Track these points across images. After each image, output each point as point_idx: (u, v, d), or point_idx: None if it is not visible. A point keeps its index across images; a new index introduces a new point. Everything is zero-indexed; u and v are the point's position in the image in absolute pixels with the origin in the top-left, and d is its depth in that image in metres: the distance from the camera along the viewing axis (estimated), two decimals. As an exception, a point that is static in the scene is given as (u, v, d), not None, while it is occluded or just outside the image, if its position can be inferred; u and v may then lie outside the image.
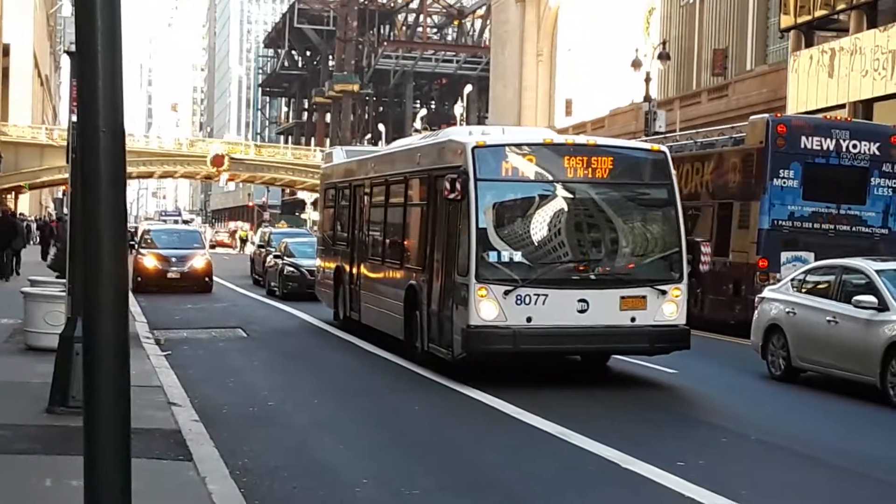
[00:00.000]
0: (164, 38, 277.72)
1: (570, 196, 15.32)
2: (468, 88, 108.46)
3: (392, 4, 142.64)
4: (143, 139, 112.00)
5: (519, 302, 14.59)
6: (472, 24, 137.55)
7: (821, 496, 10.27)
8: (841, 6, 46.16)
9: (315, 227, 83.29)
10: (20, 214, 70.52)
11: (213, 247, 59.64)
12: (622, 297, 15.04)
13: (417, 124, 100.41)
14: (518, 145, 15.80)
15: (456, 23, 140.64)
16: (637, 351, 16.19)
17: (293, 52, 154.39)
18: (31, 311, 17.27)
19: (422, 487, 10.13)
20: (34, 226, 69.10)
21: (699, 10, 63.30)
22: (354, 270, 22.17)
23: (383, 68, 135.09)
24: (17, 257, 36.68)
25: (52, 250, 35.04)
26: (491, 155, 15.21)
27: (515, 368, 15.89)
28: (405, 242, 18.93)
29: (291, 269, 32.86)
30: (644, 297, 15.09)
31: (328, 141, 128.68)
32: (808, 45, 47.28)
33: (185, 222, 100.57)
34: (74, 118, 13.32)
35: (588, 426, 12.70)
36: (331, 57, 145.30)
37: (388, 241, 20.23)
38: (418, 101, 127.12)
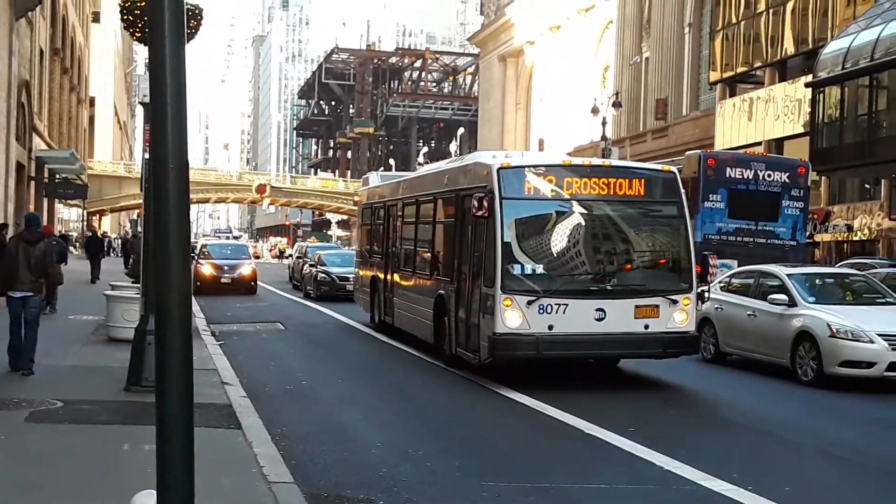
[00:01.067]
0: (219, 91, 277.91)
1: (587, 213, 14.00)
2: (461, 130, 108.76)
3: (400, 64, 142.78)
4: (202, 172, 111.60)
5: (541, 311, 13.29)
6: (464, 80, 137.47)
7: (736, 450, 10.30)
8: (758, 64, 46.31)
9: (338, 241, 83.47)
10: (104, 233, 70.39)
11: (256, 257, 59.41)
12: (636, 307, 13.79)
13: (420, 159, 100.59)
14: (539, 166, 14.52)
15: (451, 78, 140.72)
16: (650, 356, 14.72)
17: (321, 102, 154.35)
18: (112, 309, 17.24)
19: (424, 450, 10.15)
20: (117, 242, 68.96)
21: (644, 68, 63.48)
22: (388, 280, 20.48)
23: (393, 115, 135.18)
24: (99, 267, 36.86)
25: (130, 262, 34.95)
26: (514, 175, 13.91)
27: (532, 369, 14.88)
28: (434, 256, 17.34)
29: (324, 275, 32.32)
30: (657, 306, 13.82)
31: (349, 173, 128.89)
32: (732, 94, 47.69)
33: (235, 238, 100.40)
34: (147, 155, 13.35)
35: (563, 401, 12.64)
36: (351, 106, 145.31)
37: (418, 254, 18.60)
38: (421, 141, 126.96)
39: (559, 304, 13.37)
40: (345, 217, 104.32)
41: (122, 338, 15.11)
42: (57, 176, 51.72)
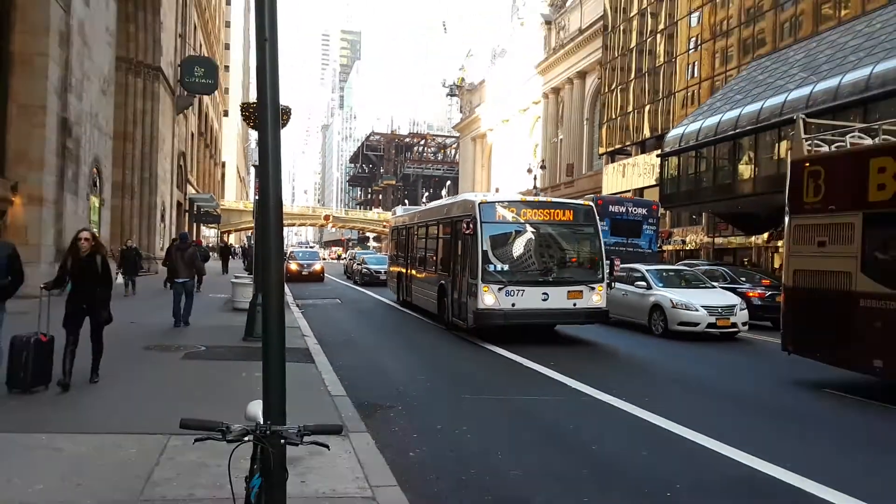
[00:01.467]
0: (301, 157, 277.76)
1: (536, 231, 13.80)
2: (448, 183, 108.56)
3: (411, 142, 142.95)
4: (290, 207, 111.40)
5: (507, 294, 13.06)
6: (450, 151, 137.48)
7: (615, 376, 10.30)
8: (628, 143, 46.53)
9: (373, 249, 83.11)
10: (230, 244, 70.37)
11: (323, 259, 59.08)
12: (569, 291, 13.52)
13: (424, 200, 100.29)
14: (504, 201, 14.26)
15: (442, 150, 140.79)
16: (577, 323, 14.28)
17: (363, 164, 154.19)
18: (235, 290, 17.21)
19: (426, 377, 10.13)
20: (240, 249, 68.87)
21: (560, 145, 63.66)
22: (409, 274, 20.00)
23: (407, 173, 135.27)
24: (227, 264, 37.00)
25: (247, 262, 34.99)
26: (489, 207, 13.71)
27: (501, 331, 13.92)
28: (438, 258, 16.91)
29: (366, 269, 32.33)
30: (581, 290, 13.61)
31: (381, 208, 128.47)
32: (612, 161, 47.83)
33: (311, 247, 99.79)
34: (256, 197, 13.39)
35: (519, 350, 12.67)
36: (382, 167, 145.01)
37: (427, 257, 18.14)
38: (424, 189, 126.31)
39: (519, 290, 13.17)
40: (377, 234, 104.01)
41: (241, 308, 15.07)
42: (201, 209, 51.85)
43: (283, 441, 2.60)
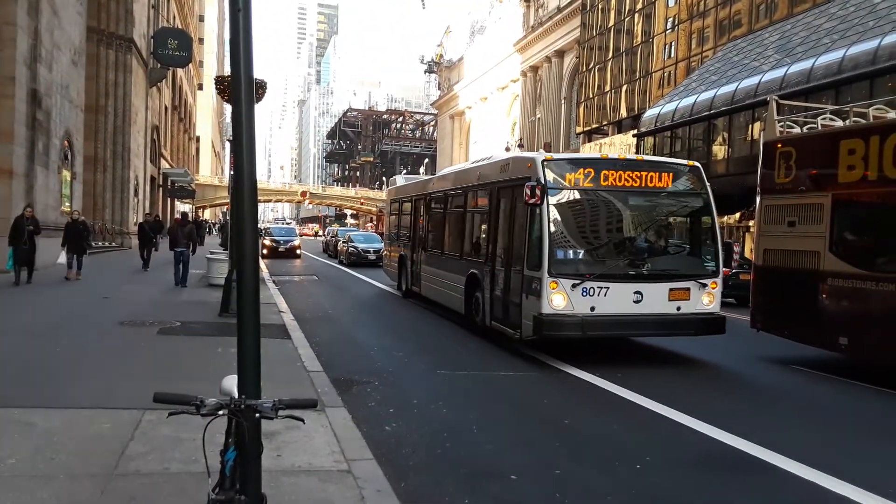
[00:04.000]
0: (277, 133, 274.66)
1: (625, 203, 10.03)
2: (426, 160, 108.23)
3: (389, 119, 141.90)
4: (266, 182, 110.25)
5: (584, 294, 9.32)
6: (428, 128, 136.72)
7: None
8: (605, 122, 46.69)
9: (350, 225, 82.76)
10: (204, 219, 69.60)
11: (301, 235, 58.84)
12: (671, 289, 9.74)
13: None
14: (579, 159, 10.44)
15: (420, 128, 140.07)
16: (682, 335, 10.41)
17: (341, 141, 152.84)
18: (211, 266, 17.07)
19: (404, 352, 10.17)
20: (215, 226, 68.14)
21: (538, 123, 63.64)
22: (416, 258, 16.14)
23: (385, 150, 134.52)
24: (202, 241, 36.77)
25: (223, 237, 34.74)
26: (557, 167, 9.75)
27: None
28: (465, 240, 12.90)
29: (353, 249, 29.73)
30: (688, 289, 9.80)
31: (358, 185, 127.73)
32: (589, 140, 48.00)
33: (287, 223, 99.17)
34: (231, 172, 13.30)
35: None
36: (359, 144, 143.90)
37: (448, 239, 14.06)
38: (402, 166, 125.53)
39: (601, 288, 9.40)
40: (355, 212, 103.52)
41: (217, 284, 14.98)
42: (176, 184, 51.21)
43: (257, 415, 2.60)
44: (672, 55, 41.17)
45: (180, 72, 53.01)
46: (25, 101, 18.28)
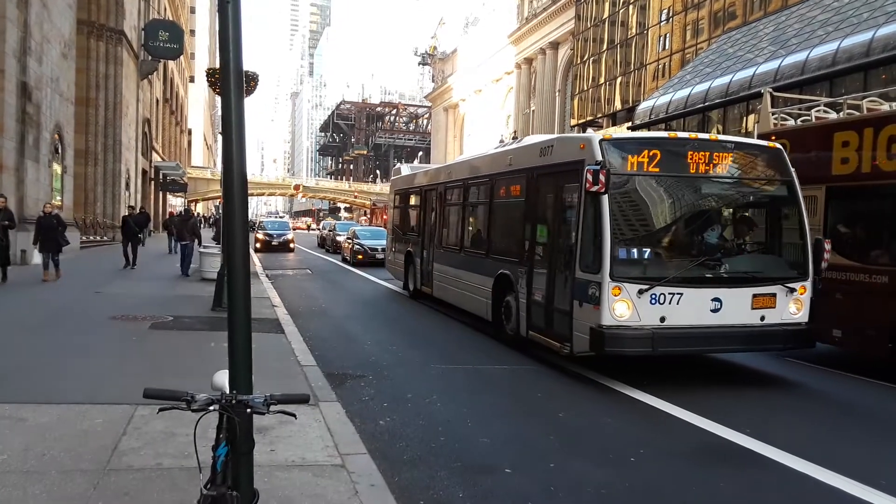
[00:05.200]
0: (270, 125, 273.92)
1: (697, 191, 8.37)
2: (420, 153, 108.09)
3: (382, 111, 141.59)
4: (259, 176, 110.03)
5: (653, 301, 7.65)
6: (422, 121, 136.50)
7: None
8: (599, 114, 46.63)
9: (344, 219, 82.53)
10: (198, 213, 69.56)
11: (294, 229, 58.75)
12: (754, 296, 8.06)
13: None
14: (643, 139, 8.92)
15: (414, 121, 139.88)
16: (768, 351, 9.10)
17: (334, 134, 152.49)
18: (204, 260, 16.97)
19: (397, 345, 10.16)
20: (209, 220, 68.06)
21: (532, 116, 63.61)
22: (428, 255, 14.44)
23: (378, 143, 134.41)
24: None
25: (215, 231, 34.56)
26: (617, 148, 8.02)
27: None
28: (494, 235, 11.27)
29: (358, 246, 25.54)
30: (774, 294, 8.12)
31: (351, 178, 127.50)
32: (584, 132, 47.85)
33: (281, 217, 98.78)
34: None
35: (468, 316, 12.62)
36: (353, 136, 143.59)
37: (470, 234, 12.51)
38: (396, 159, 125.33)
39: (673, 294, 7.73)
40: (349, 205, 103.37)
41: (209, 278, 14.93)
42: (168, 177, 51.05)
43: (249, 410, 2.59)
44: (667, 47, 41.18)
45: (172, 64, 52.70)
46: (15, 94, 18.16)
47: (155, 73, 42.20)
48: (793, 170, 8.54)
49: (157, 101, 47.77)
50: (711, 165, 8.20)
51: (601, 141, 8.08)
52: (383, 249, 22.36)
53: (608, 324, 7.62)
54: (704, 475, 5.27)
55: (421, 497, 4.63)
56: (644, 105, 34.49)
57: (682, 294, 7.78)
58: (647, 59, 42.54)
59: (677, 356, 8.92)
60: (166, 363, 7.67)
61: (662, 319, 7.74)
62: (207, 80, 12.26)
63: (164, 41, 35.06)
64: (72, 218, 24.10)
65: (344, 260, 27.49)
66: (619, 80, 45.31)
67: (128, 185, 34.37)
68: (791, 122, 10.79)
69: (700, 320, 7.86)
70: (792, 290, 8.23)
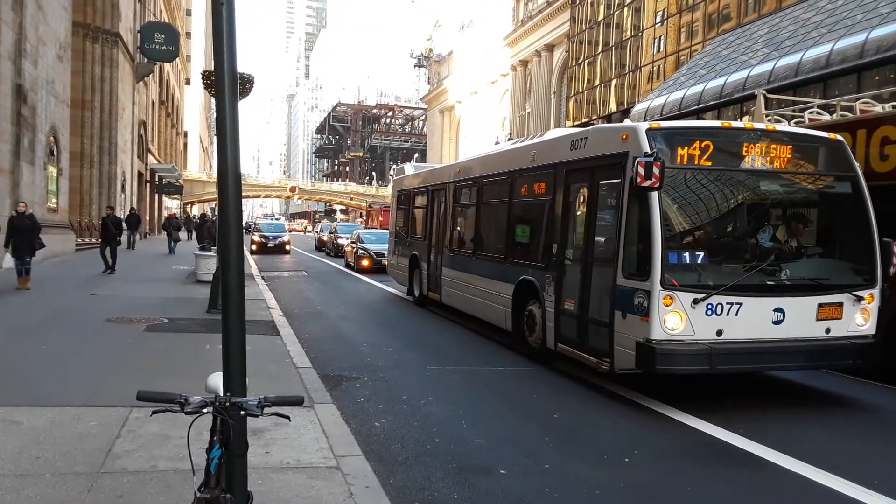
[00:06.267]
0: (265, 128, 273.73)
1: (754, 188, 7.41)
2: (416, 155, 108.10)
3: (378, 113, 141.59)
4: (255, 178, 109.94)
5: (709, 312, 6.75)
6: (418, 123, 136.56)
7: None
8: (594, 116, 46.66)
9: (340, 220, 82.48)
10: (193, 215, 69.49)
11: (289, 231, 58.60)
12: (819, 305, 7.15)
13: (392, 173, 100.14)
14: (695, 129, 7.55)
15: (410, 123, 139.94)
16: (833, 368, 8.12)
17: (330, 136, 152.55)
18: (199, 263, 16.93)
19: (393, 347, 10.14)
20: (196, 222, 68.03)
21: (528, 118, 63.67)
22: (436, 260, 13.53)
23: (374, 145, 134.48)
24: (188, 237, 36.60)
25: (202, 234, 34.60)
26: (665, 139, 7.03)
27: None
28: (512, 237, 10.27)
29: (362, 251, 23.55)
30: (840, 304, 7.23)
31: (348, 180, 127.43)
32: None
33: (276, 219, 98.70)
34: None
35: (468, 319, 12.56)
36: (349, 138, 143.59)
37: (483, 235, 11.58)
38: (391, 161, 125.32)
39: (731, 304, 6.82)
40: (344, 207, 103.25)
41: (205, 280, 14.91)
42: (163, 180, 50.99)
43: (242, 413, 2.59)
44: (661, 49, 41.28)
45: (167, 66, 52.64)
46: (10, 96, 18.11)
47: (151, 76, 42.15)
48: (856, 164, 7.66)
49: (153, 103, 47.71)
50: (768, 159, 7.27)
51: (648, 130, 7.08)
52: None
53: (659, 338, 6.70)
54: (699, 475, 5.27)
55: (416, 498, 4.62)
56: (639, 107, 34.55)
57: (741, 304, 6.87)
58: (642, 61, 42.63)
59: (731, 374, 7.90)
60: (161, 365, 7.64)
61: (719, 333, 6.84)
62: (203, 83, 12.21)
63: (160, 43, 35.04)
64: (67, 220, 24.05)
65: (348, 265, 25.62)
66: (614, 82, 45.41)
67: (123, 187, 34.30)
68: (785, 124, 10.83)
69: (761, 333, 6.95)
70: (859, 299, 7.31)
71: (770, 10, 32.09)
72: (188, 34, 77.05)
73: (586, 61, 49.08)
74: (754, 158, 7.21)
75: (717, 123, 7.75)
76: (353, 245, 25.02)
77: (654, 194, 6.71)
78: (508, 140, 52.48)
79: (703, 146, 7.00)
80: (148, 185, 45.85)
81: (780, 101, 13.59)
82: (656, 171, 6.56)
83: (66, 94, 23.47)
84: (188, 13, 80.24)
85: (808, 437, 6.27)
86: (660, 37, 41.45)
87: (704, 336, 6.79)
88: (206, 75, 11.87)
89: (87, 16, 29.27)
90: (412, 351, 10.02)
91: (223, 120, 2.92)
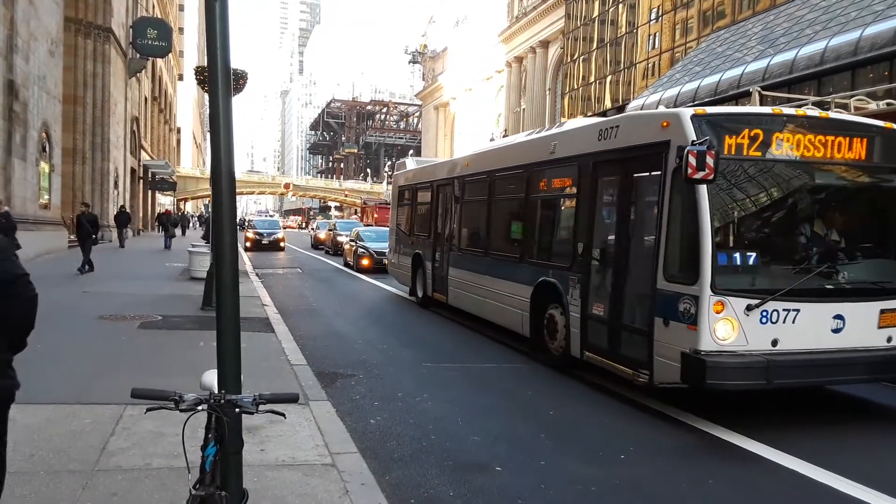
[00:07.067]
0: (259, 124, 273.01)
1: (809, 182, 6.59)
2: (410, 152, 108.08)
3: (373, 110, 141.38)
4: (248, 175, 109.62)
5: (764, 320, 6.10)
6: (413, 120, 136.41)
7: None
8: (589, 114, 46.70)
9: (335, 217, 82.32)
10: (187, 212, 69.24)
11: (284, 228, 58.33)
12: (882, 311, 6.51)
13: (387, 169, 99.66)
14: (746, 115, 6.75)
15: (405, 119, 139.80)
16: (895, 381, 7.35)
17: (324, 132, 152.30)
18: (193, 259, 16.87)
19: (389, 344, 10.14)
20: (196, 218, 67.68)
21: (522, 114, 63.65)
22: (442, 260, 12.84)
23: (369, 141, 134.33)
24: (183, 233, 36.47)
25: (203, 230, 34.37)
26: (712, 126, 6.24)
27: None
28: (532, 236, 9.56)
29: (362, 250, 22.50)
30: None
31: (343, 176, 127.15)
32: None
33: (271, 216, 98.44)
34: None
35: (469, 319, 12.54)
36: (343, 135, 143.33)
37: (496, 233, 10.81)
38: (386, 157, 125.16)
39: (787, 311, 6.17)
40: (339, 204, 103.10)
41: (199, 277, 14.90)
42: (157, 176, 50.85)
43: (237, 410, 2.58)
44: (656, 46, 41.32)
45: (160, 62, 52.41)
46: (2, 92, 18.00)
47: (143, 71, 41.96)
48: None
49: (146, 99, 47.49)
50: (824, 149, 6.50)
51: (693, 116, 6.31)
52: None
53: (709, 349, 6.00)
54: (693, 472, 5.29)
55: (411, 495, 4.63)
56: (634, 103, 34.58)
57: (798, 311, 6.19)
58: (637, 57, 42.67)
59: (788, 389, 7.03)
60: (155, 363, 7.63)
61: (774, 343, 6.16)
62: (196, 78, 12.19)
63: (153, 39, 34.82)
64: (59, 217, 23.94)
65: (346, 264, 24.65)
66: (609, 78, 45.45)
67: (116, 183, 34.16)
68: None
69: (819, 343, 6.28)
70: None
71: (765, 7, 32.16)
72: (181, 29, 76.72)
73: (581, 58, 49.09)
74: (807, 148, 6.44)
75: (767, 109, 6.96)
76: (353, 243, 24.22)
77: (703, 188, 5.99)
78: (504, 136, 52.56)
79: (752, 134, 6.29)
80: (141, 181, 45.65)
81: (775, 97, 13.61)
82: (710, 160, 5.78)
83: (57, 90, 23.34)
84: (181, 8, 79.85)
85: (803, 434, 6.29)
86: (655, 33, 41.49)
87: (758, 346, 6.12)
88: (199, 71, 11.85)
89: (79, 11, 29.09)
90: (406, 348, 10.00)
91: (217, 116, 2.91)
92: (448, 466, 5.19)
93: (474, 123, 77.00)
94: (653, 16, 41.73)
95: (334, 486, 4.43)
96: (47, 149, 22.31)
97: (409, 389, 7.44)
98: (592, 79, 47.38)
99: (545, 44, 61.27)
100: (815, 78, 23.48)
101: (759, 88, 11.49)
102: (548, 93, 60.84)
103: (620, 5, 44.86)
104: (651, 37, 41.90)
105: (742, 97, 25.15)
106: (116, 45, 32.50)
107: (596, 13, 47.66)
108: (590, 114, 47.28)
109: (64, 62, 24.77)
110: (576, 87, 49.55)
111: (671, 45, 39.70)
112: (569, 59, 51.32)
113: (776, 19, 29.39)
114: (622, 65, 44.24)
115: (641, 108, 32.74)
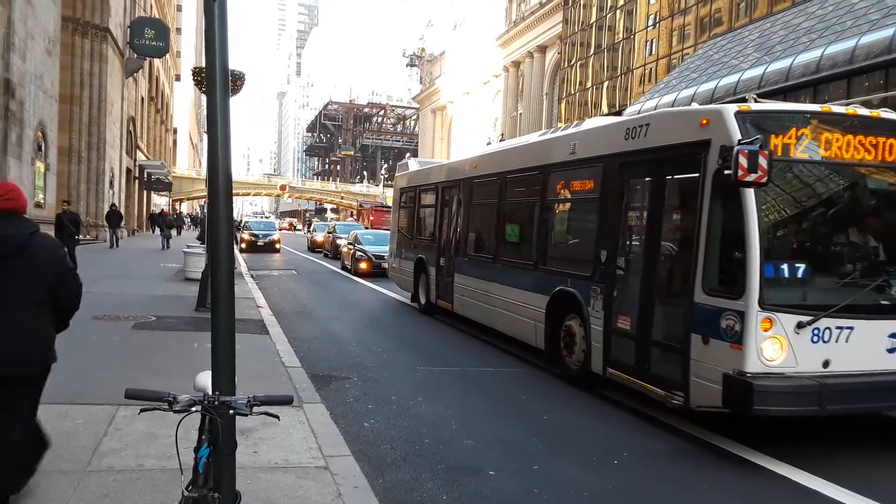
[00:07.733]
0: (256, 125, 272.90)
1: (862, 187, 6.09)
2: (408, 155, 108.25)
3: (370, 112, 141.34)
4: (245, 175, 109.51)
5: (815, 339, 5.46)
6: (410, 123, 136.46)
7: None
8: (586, 118, 46.86)
9: (331, 219, 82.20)
10: (182, 212, 69.07)
11: (280, 229, 58.18)
12: None
13: (383, 172, 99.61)
14: (794, 112, 5.99)
15: (402, 122, 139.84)
16: None
17: (321, 134, 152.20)
18: (188, 260, 16.85)
19: (384, 347, 10.11)
20: (190, 219, 67.48)
21: (520, 119, 63.77)
22: (447, 266, 12.22)
23: (365, 144, 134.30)
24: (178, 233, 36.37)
25: (199, 230, 34.32)
26: (757, 125, 5.63)
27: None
28: (547, 242, 8.93)
29: (360, 253, 21.67)
30: None
31: (338, 179, 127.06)
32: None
33: (266, 217, 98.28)
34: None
35: (470, 324, 12.58)
36: (340, 137, 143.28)
37: (508, 238, 10.13)
38: (383, 160, 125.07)
39: (840, 328, 5.57)
40: (335, 206, 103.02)
41: (194, 278, 14.83)
42: (152, 177, 50.76)
43: (231, 412, 2.57)
44: (653, 52, 41.45)
45: (157, 62, 52.37)
46: (-2, 90, 17.96)
47: (140, 72, 41.92)
48: None
49: (143, 99, 47.44)
50: (876, 152, 5.88)
51: (738, 113, 5.71)
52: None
53: (755, 370, 5.37)
54: (689, 479, 5.29)
55: (405, 499, 4.62)
56: (631, 109, 34.67)
57: (851, 328, 5.58)
58: (634, 63, 42.80)
59: (852, 415, 6.45)
60: (149, 363, 7.60)
61: (826, 364, 5.55)
62: (193, 79, 12.16)
63: (150, 39, 34.80)
64: (53, 216, 23.87)
65: (344, 268, 23.87)
66: (606, 84, 45.57)
67: (112, 183, 34.09)
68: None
69: (873, 365, 5.67)
70: None
71: (761, 15, 32.30)
72: (178, 30, 76.69)
73: (578, 63, 49.21)
74: (860, 150, 5.84)
75: (816, 107, 6.17)
76: (351, 246, 23.38)
77: (751, 193, 5.40)
78: (500, 141, 52.61)
79: (799, 134, 5.70)
80: (136, 181, 45.59)
81: (771, 105, 13.61)
82: (763, 162, 5.15)
83: (54, 89, 23.29)
84: (178, 9, 79.83)
85: (800, 442, 6.31)
86: (652, 40, 41.63)
87: (808, 368, 5.50)
88: (196, 72, 11.82)
89: (77, 10, 29.06)
90: (401, 351, 9.97)
91: (214, 117, 2.90)
92: (441, 470, 5.18)
93: (471, 127, 77.15)
94: (650, 22, 41.88)
95: (327, 489, 4.42)
96: (43, 148, 22.24)
97: (403, 392, 7.43)
98: (589, 84, 47.51)
99: (543, 49, 61.42)
100: (811, 86, 23.57)
101: (754, 96, 11.46)
102: (545, 97, 60.99)
103: (618, 11, 45.01)
104: (648, 43, 42.04)
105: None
106: (114, 44, 32.47)
107: (593, 19, 47.81)
108: (586, 119, 47.48)
109: (61, 61, 24.72)
110: (573, 92, 49.68)
111: (668, 52, 39.84)
112: (566, 64, 51.44)
113: (773, 27, 29.52)
114: (619, 70, 44.37)
115: (638, 112, 32.85)
